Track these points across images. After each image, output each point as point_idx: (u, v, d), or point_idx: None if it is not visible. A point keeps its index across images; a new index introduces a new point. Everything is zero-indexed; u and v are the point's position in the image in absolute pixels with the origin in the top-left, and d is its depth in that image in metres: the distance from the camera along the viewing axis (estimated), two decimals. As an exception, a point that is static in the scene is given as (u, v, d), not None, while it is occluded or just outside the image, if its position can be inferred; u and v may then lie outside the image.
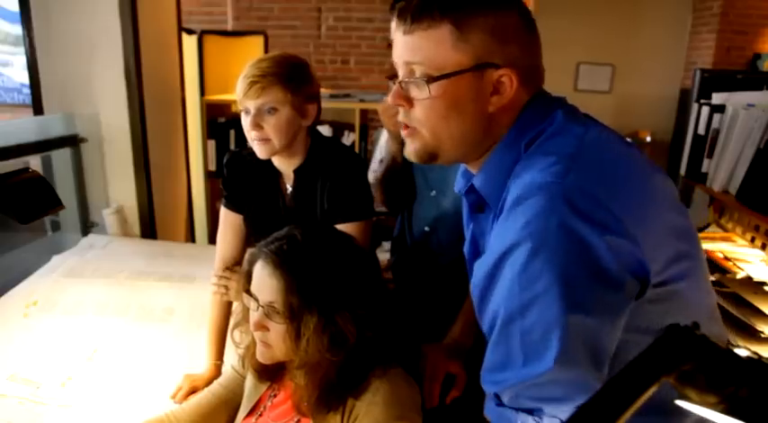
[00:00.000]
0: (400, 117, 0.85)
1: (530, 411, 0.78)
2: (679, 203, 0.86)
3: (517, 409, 0.79)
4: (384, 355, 1.06)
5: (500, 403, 0.82)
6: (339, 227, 1.24)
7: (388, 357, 1.06)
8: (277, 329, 1.01)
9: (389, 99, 0.85)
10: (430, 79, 0.79)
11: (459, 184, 0.98)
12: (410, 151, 0.86)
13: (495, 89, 0.80)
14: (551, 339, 0.72)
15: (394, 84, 0.85)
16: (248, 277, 1.05)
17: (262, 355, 1.05)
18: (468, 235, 1.02)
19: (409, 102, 0.83)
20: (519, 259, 0.73)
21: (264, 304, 1.01)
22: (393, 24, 1.45)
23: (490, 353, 0.81)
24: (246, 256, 1.12)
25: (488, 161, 0.86)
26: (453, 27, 0.78)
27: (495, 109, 0.81)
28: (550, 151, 0.78)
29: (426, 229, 1.64)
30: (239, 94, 1.30)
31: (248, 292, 1.05)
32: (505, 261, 0.75)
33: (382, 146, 3.32)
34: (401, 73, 0.83)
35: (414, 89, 0.81)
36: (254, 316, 1.03)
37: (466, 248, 1.03)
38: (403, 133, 0.86)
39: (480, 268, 0.81)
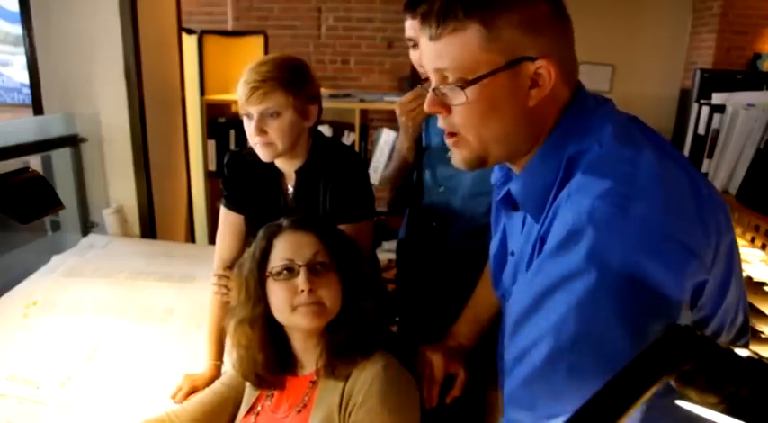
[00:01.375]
0: (440, 123, 0.83)
1: None
2: (730, 219, 0.83)
3: None
4: (385, 341, 1.08)
5: None
6: (341, 227, 1.25)
7: (387, 346, 1.08)
8: (328, 280, 1.05)
9: (426, 107, 0.82)
10: (464, 84, 0.76)
11: (495, 176, 0.97)
12: (458, 159, 0.84)
13: (534, 82, 0.77)
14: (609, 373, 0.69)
15: (425, 88, 0.82)
16: (265, 255, 1.08)
17: (315, 319, 1.04)
18: (498, 230, 1.01)
19: (446, 108, 0.80)
20: (577, 290, 0.69)
21: (307, 261, 1.04)
22: (407, 23, 1.45)
23: (523, 388, 0.75)
24: (258, 238, 1.13)
25: (527, 169, 0.83)
26: (481, 26, 0.75)
27: (535, 102, 0.78)
28: (605, 175, 0.73)
29: (434, 224, 1.64)
30: (241, 100, 1.30)
31: (263, 275, 1.07)
32: (561, 288, 0.71)
33: (382, 146, 3.32)
34: (433, 79, 0.80)
35: (450, 95, 0.79)
36: (301, 280, 1.02)
37: (494, 243, 1.02)
38: (448, 142, 0.84)
39: (528, 288, 0.76)
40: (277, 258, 1.06)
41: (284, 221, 1.12)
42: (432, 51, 0.79)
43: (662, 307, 0.69)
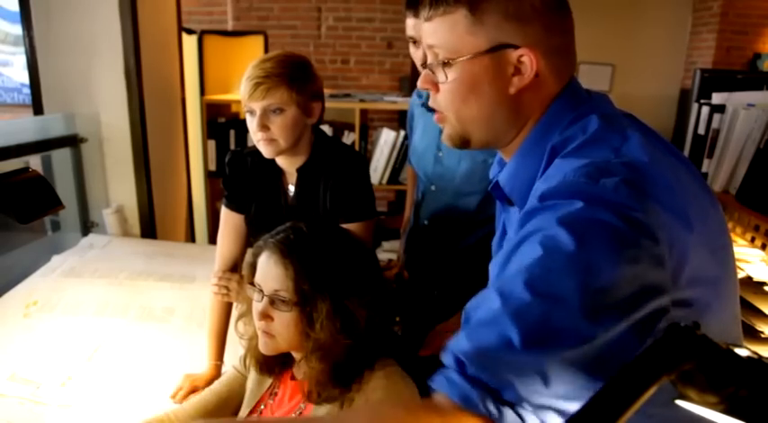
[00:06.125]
0: (431, 102, 0.86)
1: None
2: (724, 221, 0.81)
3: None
4: (385, 347, 1.07)
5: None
6: (343, 226, 1.24)
7: (388, 351, 1.07)
8: (282, 318, 1.02)
9: (419, 84, 0.86)
10: (447, 63, 0.80)
11: (494, 171, 0.98)
12: (444, 136, 0.87)
13: (517, 70, 0.79)
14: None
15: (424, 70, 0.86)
16: (252, 269, 1.08)
17: (265, 347, 1.06)
18: (499, 227, 1.02)
19: (435, 86, 0.84)
20: (539, 241, 0.66)
21: (270, 293, 1.03)
22: (409, 22, 1.46)
23: (467, 336, 0.66)
24: (251, 249, 1.13)
25: (514, 158, 0.85)
26: (468, 11, 0.78)
27: (516, 90, 0.79)
28: (584, 156, 0.73)
29: (425, 223, 1.65)
30: (244, 96, 1.30)
31: (252, 284, 1.07)
32: (526, 241, 0.68)
33: (382, 146, 3.33)
34: (428, 56, 0.84)
35: (437, 73, 0.82)
36: (259, 306, 1.04)
37: (495, 240, 1.03)
38: (435, 118, 0.87)
39: (500, 255, 0.75)
40: (256, 277, 1.07)
41: (269, 240, 1.07)
42: (426, 30, 0.84)
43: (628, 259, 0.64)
